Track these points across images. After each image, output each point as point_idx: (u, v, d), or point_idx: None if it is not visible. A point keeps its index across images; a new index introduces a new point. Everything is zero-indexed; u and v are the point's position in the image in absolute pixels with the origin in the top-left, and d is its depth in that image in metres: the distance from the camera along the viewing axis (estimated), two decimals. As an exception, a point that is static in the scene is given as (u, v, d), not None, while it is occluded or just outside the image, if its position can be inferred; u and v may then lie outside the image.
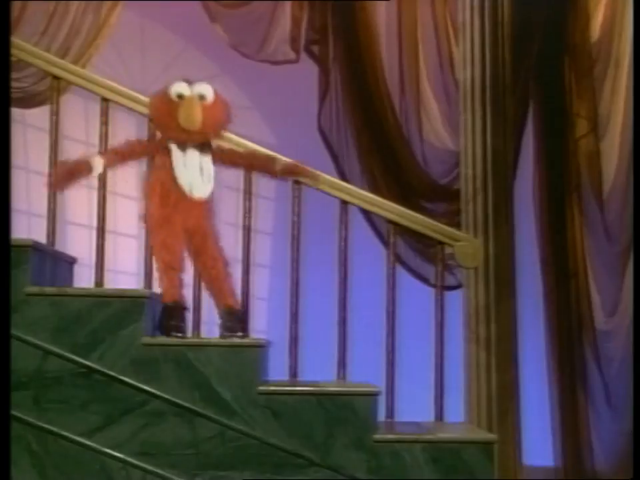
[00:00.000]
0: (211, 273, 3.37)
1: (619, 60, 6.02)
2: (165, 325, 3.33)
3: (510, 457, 5.32)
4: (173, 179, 3.27)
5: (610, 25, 6.05)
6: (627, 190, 5.83)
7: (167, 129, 3.31)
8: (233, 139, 3.70)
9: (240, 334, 3.37)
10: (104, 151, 3.41)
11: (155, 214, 3.30)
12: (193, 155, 3.29)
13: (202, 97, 3.26)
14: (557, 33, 6.16)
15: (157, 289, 3.62)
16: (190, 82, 3.29)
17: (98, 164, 3.30)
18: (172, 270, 3.30)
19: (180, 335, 3.33)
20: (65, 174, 3.31)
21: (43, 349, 3.34)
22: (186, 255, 3.36)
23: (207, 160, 3.32)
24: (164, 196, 3.28)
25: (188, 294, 3.62)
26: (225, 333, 3.37)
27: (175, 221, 3.28)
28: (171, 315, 3.32)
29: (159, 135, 3.40)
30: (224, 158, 3.39)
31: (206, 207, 3.34)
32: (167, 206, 3.27)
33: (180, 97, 3.25)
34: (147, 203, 3.34)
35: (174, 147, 3.29)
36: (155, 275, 3.43)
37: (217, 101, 3.31)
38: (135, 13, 6.20)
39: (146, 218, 3.36)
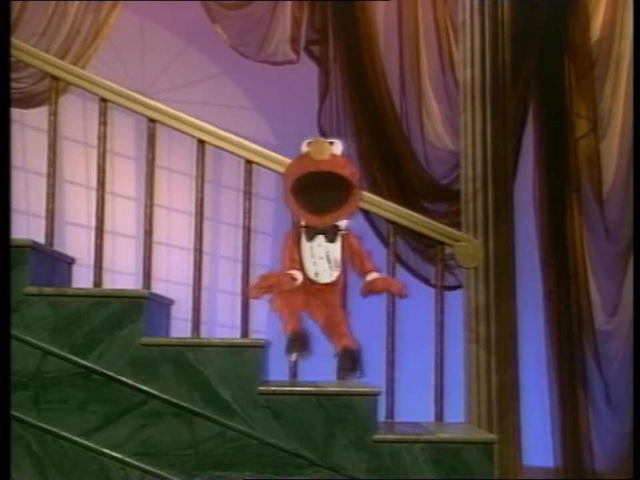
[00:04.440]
0: (327, 319, 3.40)
1: (619, 60, 6.01)
2: (291, 350, 3.37)
3: (510, 457, 5.31)
4: (301, 268, 3.35)
5: (610, 25, 6.04)
6: (627, 190, 5.83)
7: (298, 171, 3.35)
8: (233, 140, 3.71)
9: (358, 373, 3.36)
10: (287, 263, 3.39)
11: (281, 294, 3.37)
12: (320, 243, 3.36)
13: (331, 142, 3.37)
14: (557, 33, 6.16)
15: (155, 289, 3.63)
16: None
17: (298, 275, 3.36)
18: (291, 312, 3.36)
19: (307, 353, 3.38)
20: (266, 286, 3.37)
21: (42, 349, 3.34)
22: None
23: (334, 247, 3.37)
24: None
25: (188, 294, 3.63)
26: (340, 373, 3.36)
27: (298, 297, 3.37)
28: (296, 341, 3.36)
29: (293, 209, 3.40)
30: (345, 245, 3.40)
31: (332, 289, 3.39)
32: (292, 290, 3.35)
33: (310, 143, 3.37)
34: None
35: (303, 237, 3.36)
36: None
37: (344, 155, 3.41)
38: (135, 13, 6.20)
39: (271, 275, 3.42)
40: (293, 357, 3.39)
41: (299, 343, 3.35)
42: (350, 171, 3.37)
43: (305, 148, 3.38)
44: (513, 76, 5.63)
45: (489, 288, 5.32)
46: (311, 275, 3.35)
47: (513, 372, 5.45)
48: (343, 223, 3.40)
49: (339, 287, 3.41)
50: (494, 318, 5.32)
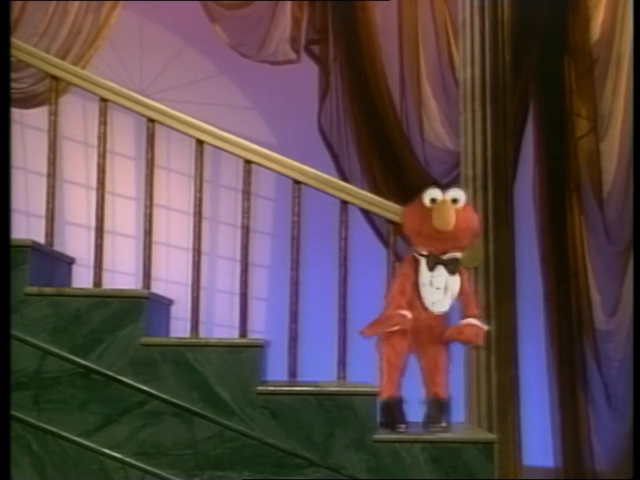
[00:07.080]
0: (429, 362, 3.43)
1: (619, 60, 6.01)
2: (386, 420, 3.39)
3: (510, 457, 5.31)
4: (418, 296, 3.35)
5: (610, 25, 6.04)
6: (627, 190, 5.82)
7: (419, 234, 3.36)
8: (232, 140, 3.70)
9: (444, 425, 3.40)
10: (397, 299, 3.36)
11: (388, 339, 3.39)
12: (441, 273, 3.35)
13: (455, 201, 3.34)
14: (557, 32, 6.16)
15: (154, 289, 3.63)
16: (442, 188, 3.39)
17: (409, 314, 3.34)
18: (393, 367, 3.38)
19: (403, 426, 3.39)
20: (380, 326, 3.38)
21: (42, 349, 3.34)
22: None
23: (453, 280, 3.38)
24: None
25: (186, 294, 3.63)
26: (427, 423, 3.40)
27: (405, 339, 3.37)
28: (389, 410, 3.39)
29: (411, 246, 3.41)
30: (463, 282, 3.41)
31: (441, 322, 3.40)
32: (401, 332, 3.35)
33: (433, 200, 3.33)
34: (388, 306, 3.39)
35: (423, 264, 3.35)
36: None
37: (468, 206, 3.42)
38: (135, 14, 6.20)
39: (384, 316, 3.40)
40: (386, 426, 3.39)
41: (394, 412, 3.39)
42: (472, 232, 3.38)
43: (427, 201, 3.33)
44: (512, 76, 5.63)
45: (489, 288, 5.32)
46: (428, 303, 3.35)
47: (513, 372, 5.45)
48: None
49: (447, 319, 3.41)
50: (494, 318, 5.31)
